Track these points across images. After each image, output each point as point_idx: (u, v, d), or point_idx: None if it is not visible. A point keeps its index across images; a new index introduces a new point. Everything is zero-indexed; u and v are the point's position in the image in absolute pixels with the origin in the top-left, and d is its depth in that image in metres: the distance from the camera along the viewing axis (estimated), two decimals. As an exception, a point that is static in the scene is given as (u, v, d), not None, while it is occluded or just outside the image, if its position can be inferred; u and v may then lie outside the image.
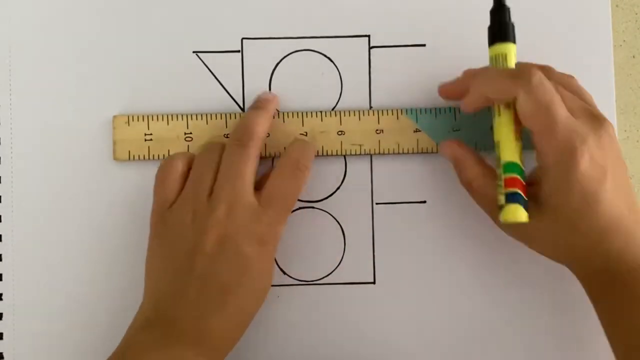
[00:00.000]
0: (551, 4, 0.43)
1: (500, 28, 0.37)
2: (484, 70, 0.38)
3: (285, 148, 0.40)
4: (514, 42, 0.37)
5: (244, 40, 0.43)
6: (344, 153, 0.42)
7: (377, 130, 0.42)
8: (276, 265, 0.42)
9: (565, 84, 0.38)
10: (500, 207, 0.36)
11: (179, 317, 0.37)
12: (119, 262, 0.42)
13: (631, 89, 0.44)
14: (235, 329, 0.38)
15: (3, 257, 0.42)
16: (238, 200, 0.38)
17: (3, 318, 0.42)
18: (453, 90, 0.40)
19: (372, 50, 0.43)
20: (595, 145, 0.35)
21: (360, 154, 0.42)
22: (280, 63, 0.43)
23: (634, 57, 0.45)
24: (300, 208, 0.43)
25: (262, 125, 0.40)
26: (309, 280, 0.42)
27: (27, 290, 0.42)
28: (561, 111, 0.35)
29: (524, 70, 0.36)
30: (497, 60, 0.37)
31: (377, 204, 0.43)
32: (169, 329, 0.37)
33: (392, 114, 0.42)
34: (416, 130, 0.42)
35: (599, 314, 0.38)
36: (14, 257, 0.42)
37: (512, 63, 0.37)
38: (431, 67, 0.43)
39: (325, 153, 0.42)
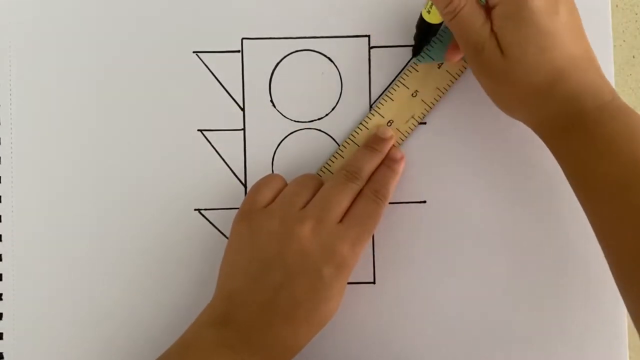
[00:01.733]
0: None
1: None
2: None
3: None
4: None
5: (244, 40, 0.43)
6: (404, 137, 0.42)
7: (412, 94, 0.42)
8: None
9: None
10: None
11: (247, 321, 0.37)
12: (119, 261, 0.42)
13: (631, 89, 0.44)
14: (297, 343, 0.38)
15: (3, 257, 0.42)
16: (326, 221, 0.38)
17: (3, 318, 0.42)
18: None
19: (372, 50, 0.43)
20: None
21: (416, 127, 0.42)
22: (281, 63, 0.43)
23: (634, 57, 0.44)
24: (300, 208, 0.43)
25: (373, 166, 0.41)
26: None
27: (27, 290, 0.42)
28: None
29: None
30: None
31: (377, 204, 0.43)
32: (236, 331, 0.37)
33: (412, 71, 0.42)
34: (439, 66, 0.42)
35: (561, 162, 0.37)
36: (14, 257, 0.42)
37: None
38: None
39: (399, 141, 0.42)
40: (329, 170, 0.42)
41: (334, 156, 0.42)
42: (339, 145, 0.43)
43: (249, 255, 0.39)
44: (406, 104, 0.42)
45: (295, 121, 0.43)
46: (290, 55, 0.43)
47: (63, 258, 0.42)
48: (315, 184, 0.40)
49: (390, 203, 0.43)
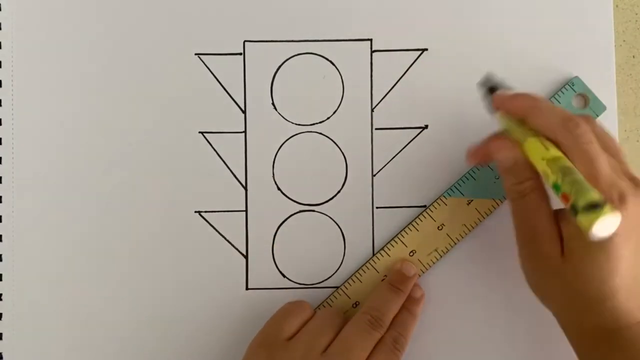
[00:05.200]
0: (552, 4, 0.43)
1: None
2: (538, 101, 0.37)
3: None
4: None
5: (246, 43, 0.43)
6: (425, 269, 0.42)
7: (438, 227, 0.42)
8: (276, 269, 0.42)
9: (605, 142, 0.36)
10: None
11: None
12: (119, 263, 0.42)
13: (631, 89, 0.44)
14: None
15: (3, 257, 0.42)
16: None
17: (3, 318, 0.42)
18: (481, 150, 0.39)
19: (374, 54, 0.43)
20: (632, 205, 0.33)
21: (439, 260, 0.42)
22: (282, 66, 0.43)
23: (634, 57, 0.44)
24: (300, 211, 0.43)
25: (395, 310, 0.40)
26: (309, 283, 0.43)
27: (27, 290, 0.42)
28: (604, 166, 0.34)
29: (572, 116, 0.35)
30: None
31: (377, 207, 0.43)
32: None
33: (440, 205, 0.42)
34: (469, 202, 0.42)
35: None
36: (14, 257, 0.42)
37: None
38: (433, 71, 0.43)
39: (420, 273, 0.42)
40: (346, 294, 0.42)
41: (352, 279, 0.42)
42: (339, 148, 0.43)
43: None
44: (431, 236, 0.42)
45: (296, 124, 0.43)
46: (292, 58, 0.43)
47: (63, 258, 0.42)
48: (339, 321, 0.39)
49: (390, 207, 0.43)
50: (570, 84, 0.43)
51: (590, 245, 0.33)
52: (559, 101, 0.42)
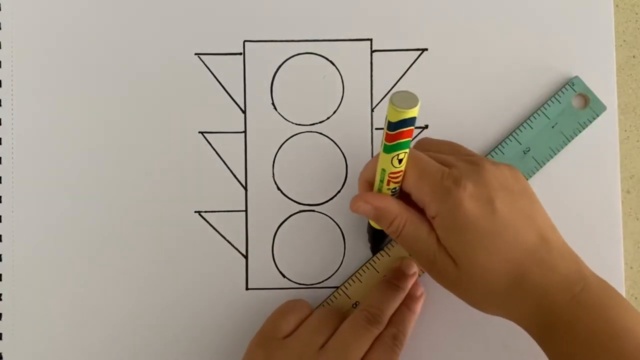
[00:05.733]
0: (552, 5, 0.43)
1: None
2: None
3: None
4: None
5: (246, 43, 0.43)
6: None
7: None
8: (276, 269, 0.42)
9: (439, 147, 0.38)
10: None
11: None
12: (119, 263, 0.42)
13: (631, 89, 0.44)
14: None
15: (3, 257, 0.42)
16: None
17: (3, 318, 0.42)
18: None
19: (374, 53, 0.43)
20: (473, 184, 0.34)
21: None
22: (282, 66, 0.43)
23: (634, 57, 0.44)
24: (300, 211, 0.43)
25: (393, 307, 0.40)
26: (309, 283, 0.43)
27: (27, 290, 0.42)
28: (430, 164, 0.35)
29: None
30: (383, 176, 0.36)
31: (377, 207, 0.43)
32: None
33: None
34: None
35: (549, 358, 0.36)
36: (14, 257, 0.42)
37: None
38: (433, 71, 0.43)
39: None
40: (346, 294, 0.42)
41: (352, 279, 0.42)
42: (339, 148, 0.43)
43: None
44: None
45: (296, 124, 0.43)
46: (292, 58, 0.43)
47: (63, 259, 0.42)
48: (337, 320, 0.39)
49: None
50: (571, 83, 0.43)
51: (465, 242, 0.34)
52: (559, 101, 0.42)
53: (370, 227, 0.40)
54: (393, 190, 0.36)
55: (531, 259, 0.34)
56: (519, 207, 0.35)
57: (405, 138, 0.32)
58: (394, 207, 0.36)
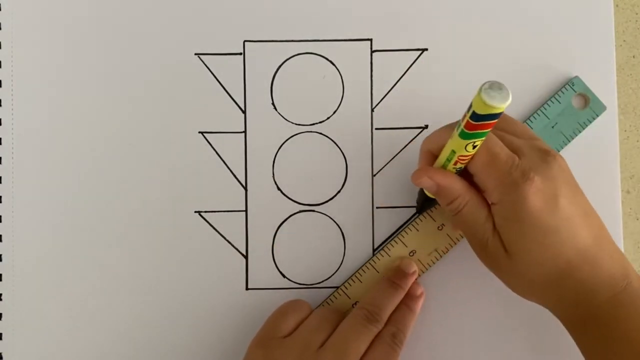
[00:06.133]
0: (552, 5, 0.43)
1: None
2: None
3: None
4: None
5: (246, 43, 0.43)
6: (425, 269, 0.42)
7: (438, 227, 0.42)
8: (276, 269, 0.42)
9: (514, 128, 0.37)
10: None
11: None
12: (119, 263, 0.42)
13: (631, 89, 0.44)
14: None
15: (3, 257, 0.42)
16: None
17: (3, 318, 0.42)
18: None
19: (374, 54, 0.43)
20: (541, 178, 0.34)
21: (439, 260, 0.42)
22: (282, 66, 0.43)
23: (634, 57, 0.44)
24: (300, 211, 0.43)
25: (393, 306, 0.40)
26: (309, 283, 0.43)
27: (27, 290, 0.42)
28: (502, 154, 0.34)
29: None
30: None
31: (377, 207, 0.43)
32: None
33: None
34: None
35: (582, 352, 0.36)
36: (14, 257, 0.42)
37: None
38: (433, 71, 0.43)
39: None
40: (346, 294, 0.42)
41: (352, 279, 0.42)
42: (339, 148, 0.43)
43: None
44: (431, 236, 0.42)
45: (296, 124, 0.43)
46: (292, 58, 0.43)
47: (63, 259, 0.42)
48: (336, 319, 0.39)
49: (390, 207, 0.43)
50: (571, 83, 0.43)
51: (521, 234, 0.34)
52: (559, 101, 0.42)
53: (422, 194, 0.40)
54: (457, 169, 0.36)
55: (582, 257, 0.35)
56: (578, 203, 0.35)
57: (487, 129, 0.32)
58: (458, 186, 0.36)
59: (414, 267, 0.41)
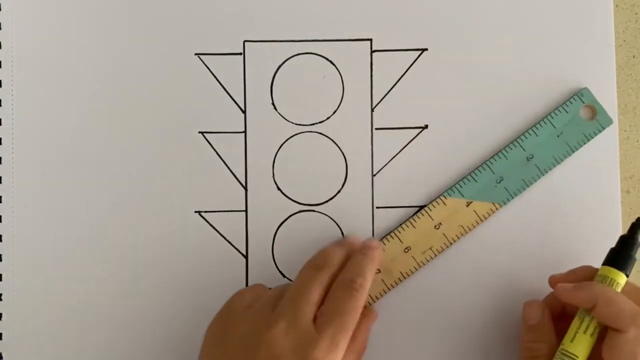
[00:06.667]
0: (552, 5, 0.43)
1: (625, 259, 0.38)
2: (607, 289, 0.37)
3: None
4: (628, 275, 0.38)
5: (246, 43, 0.43)
6: (419, 266, 0.42)
7: (435, 226, 0.42)
8: (276, 269, 0.42)
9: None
10: None
11: None
12: (119, 263, 0.42)
13: (631, 89, 0.44)
14: None
15: (3, 257, 0.42)
16: (298, 321, 0.36)
17: (3, 318, 0.42)
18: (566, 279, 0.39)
19: (374, 54, 0.43)
20: None
21: (433, 258, 0.42)
22: (282, 66, 0.43)
23: (634, 57, 0.44)
24: (300, 211, 0.43)
25: (339, 255, 0.39)
26: (309, 283, 0.43)
27: (27, 290, 0.42)
28: (624, 302, 0.35)
29: None
30: (604, 280, 0.37)
31: (377, 207, 0.43)
32: None
33: (439, 204, 0.42)
34: (468, 204, 0.42)
35: None
36: (14, 257, 0.42)
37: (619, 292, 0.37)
38: (433, 71, 0.43)
39: (404, 276, 0.42)
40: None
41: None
42: (339, 148, 0.43)
43: (221, 357, 0.37)
44: (428, 234, 0.42)
45: (296, 124, 0.43)
46: (292, 58, 0.43)
47: (63, 259, 0.42)
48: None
49: (390, 207, 0.43)
50: (579, 94, 0.42)
51: None
52: (566, 111, 0.42)
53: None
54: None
55: None
56: None
57: None
58: (552, 336, 0.38)
59: (377, 242, 0.41)
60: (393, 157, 0.43)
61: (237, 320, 0.38)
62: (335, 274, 0.38)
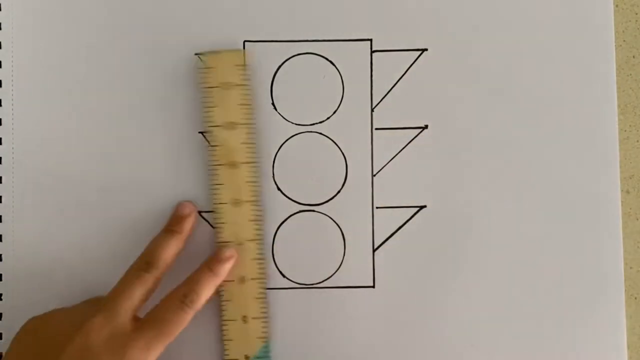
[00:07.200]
0: (552, 5, 0.43)
1: None
2: None
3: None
4: None
5: (246, 43, 0.43)
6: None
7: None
8: (276, 268, 0.42)
9: None
10: None
11: None
12: (119, 263, 0.42)
13: (631, 89, 0.44)
14: None
15: (3, 257, 0.42)
16: (115, 319, 0.37)
17: (3, 318, 0.42)
18: None
19: (374, 54, 0.43)
20: None
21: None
22: (282, 66, 0.43)
23: (634, 57, 0.44)
24: (300, 211, 0.43)
25: (169, 251, 0.39)
26: (309, 283, 0.43)
27: (27, 290, 0.42)
28: None
29: None
30: None
31: (377, 207, 0.43)
32: None
33: None
34: None
35: None
36: (14, 257, 0.42)
37: None
38: (433, 71, 0.43)
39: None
40: None
41: None
42: (339, 148, 0.43)
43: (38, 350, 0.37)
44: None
45: (296, 124, 0.43)
46: (292, 59, 0.43)
47: (63, 259, 0.42)
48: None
49: (390, 207, 0.43)
50: None
51: None
52: None
53: None
54: None
55: None
56: None
57: None
58: None
59: (190, 209, 0.41)
60: (393, 157, 0.43)
61: (49, 322, 0.38)
62: (164, 271, 0.39)
